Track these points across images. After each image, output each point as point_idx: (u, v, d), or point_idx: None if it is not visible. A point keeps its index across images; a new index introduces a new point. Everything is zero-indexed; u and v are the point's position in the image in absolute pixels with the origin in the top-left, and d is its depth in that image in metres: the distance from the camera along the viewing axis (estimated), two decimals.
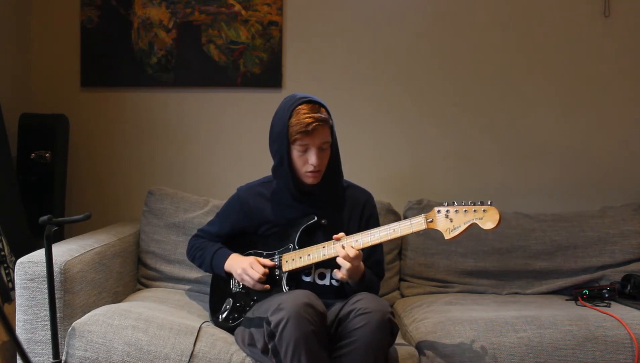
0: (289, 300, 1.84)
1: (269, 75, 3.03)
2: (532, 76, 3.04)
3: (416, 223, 1.97)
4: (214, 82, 3.04)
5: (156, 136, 3.07)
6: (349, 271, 1.99)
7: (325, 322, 1.91)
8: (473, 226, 1.91)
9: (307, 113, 2.04)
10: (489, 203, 1.90)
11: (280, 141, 2.09)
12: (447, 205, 1.94)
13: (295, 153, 2.09)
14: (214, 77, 3.03)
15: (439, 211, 1.95)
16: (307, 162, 2.08)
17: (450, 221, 1.92)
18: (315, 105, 2.07)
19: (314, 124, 2.02)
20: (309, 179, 2.12)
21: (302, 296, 1.87)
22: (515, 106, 3.05)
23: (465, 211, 1.91)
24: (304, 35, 3.04)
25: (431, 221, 1.95)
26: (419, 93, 3.05)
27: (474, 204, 1.91)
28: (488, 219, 1.88)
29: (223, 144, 3.08)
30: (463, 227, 1.91)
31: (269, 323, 1.85)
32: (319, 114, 2.05)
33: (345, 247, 2.00)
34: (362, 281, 2.07)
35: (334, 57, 3.04)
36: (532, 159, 3.06)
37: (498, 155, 3.06)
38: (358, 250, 1.99)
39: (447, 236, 1.93)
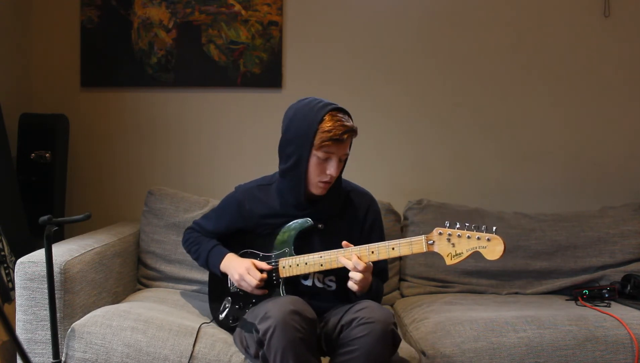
0: (275, 308, 1.83)
1: (269, 75, 3.03)
2: (532, 76, 3.04)
3: (416, 245, 1.90)
4: (214, 82, 3.04)
5: (156, 136, 3.07)
6: (361, 282, 1.95)
7: (315, 328, 1.90)
8: (475, 254, 1.84)
9: (342, 121, 1.97)
10: (493, 231, 1.82)
11: (302, 143, 2.00)
12: (449, 227, 1.87)
13: (315, 159, 2.00)
14: (214, 77, 3.03)
15: (440, 233, 1.87)
16: (323, 172, 2.01)
17: (452, 246, 1.85)
18: (346, 114, 2.01)
19: (347, 134, 1.97)
20: (318, 190, 2.06)
21: (288, 303, 1.85)
22: (515, 106, 3.05)
23: (469, 237, 1.83)
24: (304, 35, 3.04)
25: (432, 244, 1.88)
26: (419, 93, 3.05)
27: (478, 230, 1.83)
28: (491, 250, 1.81)
29: (223, 144, 3.08)
30: (465, 254, 1.84)
31: (257, 331, 1.84)
32: (352, 124, 2.00)
33: (352, 259, 1.95)
34: (369, 292, 2.04)
35: (334, 57, 3.04)
36: (532, 159, 3.06)
37: (498, 155, 3.06)
38: (366, 263, 1.95)
39: (448, 262, 1.86)
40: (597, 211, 2.85)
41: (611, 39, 3.02)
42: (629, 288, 2.55)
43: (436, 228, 1.88)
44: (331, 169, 2.00)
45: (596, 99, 3.05)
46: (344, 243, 2.00)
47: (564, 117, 3.06)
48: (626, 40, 3.02)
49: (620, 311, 2.32)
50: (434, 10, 3.03)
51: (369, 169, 2.99)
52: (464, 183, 3.06)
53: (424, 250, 1.89)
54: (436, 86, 3.05)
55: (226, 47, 3.02)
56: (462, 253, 1.85)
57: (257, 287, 2.07)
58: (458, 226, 1.86)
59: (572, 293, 2.56)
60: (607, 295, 2.51)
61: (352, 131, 1.99)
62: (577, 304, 2.47)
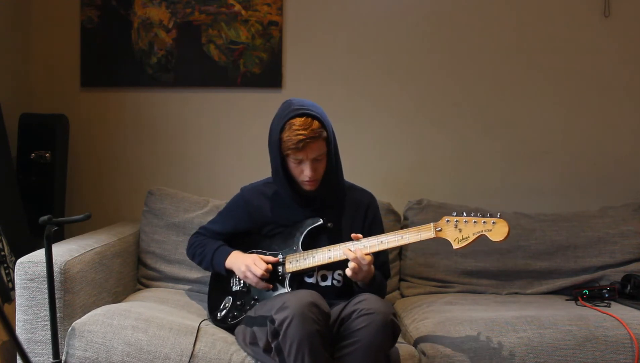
0: (294, 299, 1.84)
1: (269, 75, 3.03)
2: (532, 76, 3.04)
3: (425, 232, 1.98)
4: (214, 82, 3.04)
5: (156, 136, 3.07)
6: (359, 273, 1.99)
7: (329, 322, 1.91)
8: (481, 237, 1.92)
9: (298, 129, 2.01)
10: (498, 216, 1.91)
11: (274, 152, 2.09)
12: (456, 215, 1.94)
13: (291, 163, 2.09)
14: (214, 77, 3.03)
15: (448, 221, 1.95)
16: (302, 172, 2.08)
17: (459, 231, 1.93)
18: (308, 118, 2.03)
19: (304, 141, 2.01)
20: (306, 187, 2.12)
21: (307, 295, 1.87)
22: (515, 106, 3.05)
23: (475, 222, 1.92)
24: (304, 35, 3.04)
25: (440, 231, 1.96)
26: (419, 93, 3.05)
27: (484, 216, 1.92)
28: (497, 232, 1.89)
29: (223, 144, 3.08)
30: (472, 238, 1.92)
31: (272, 321, 1.85)
32: (311, 129, 2.02)
33: (356, 251, 1.99)
34: (372, 284, 2.07)
35: (334, 57, 3.04)
36: (532, 159, 3.06)
37: (498, 155, 3.06)
38: (369, 255, 1.99)
39: (455, 246, 1.94)
40: (597, 211, 2.85)
41: (611, 39, 3.02)
42: (629, 288, 2.55)
43: (444, 216, 1.96)
44: (306, 171, 2.06)
45: (596, 99, 3.05)
46: (354, 235, 2.04)
47: (564, 117, 3.06)
48: (626, 40, 3.02)
49: (620, 311, 2.32)
50: (434, 10, 3.03)
51: (369, 169, 2.99)
52: (464, 183, 3.05)
53: (433, 236, 1.97)
54: (436, 86, 3.05)
55: (226, 47, 3.02)
56: (468, 236, 1.92)
57: (262, 278, 2.09)
58: (465, 213, 1.94)
59: (572, 293, 2.56)
60: (607, 295, 2.51)
61: (310, 138, 2.01)
62: (577, 304, 2.47)
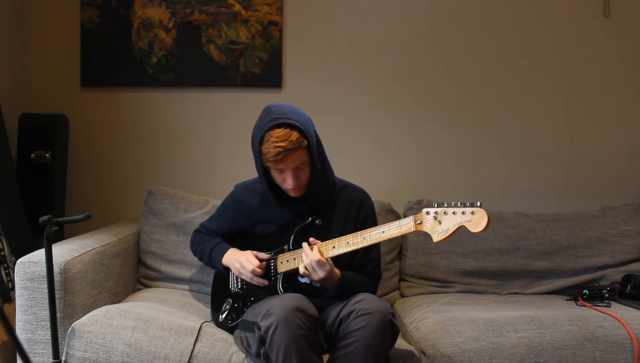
0: (278, 305, 1.84)
1: (269, 75, 3.03)
2: (533, 76, 3.04)
3: (405, 225, 1.92)
4: (214, 82, 3.04)
5: (156, 136, 3.07)
6: (314, 275, 1.98)
7: (317, 326, 1.91)
8: (462, 229, 1.84)
9: (276, 141, 1.96)
10: (478, 204, 1.82)
11: (257, 161, 2.07)
12: (437, 206, 1.87)
13: (273, 172, 2.06)
14: (214, 77, 3.03)
15: (427, 213, 1.88)
16: (285, 181, 2.05)
17: (438, 224, 1.85)
18: (286, 129, 1.98)
19: (282, 154, 1.97)
20: (291, 193, 2.10)
21: (291, 300, 1.86)
22: (515, 106, 3.05)
23: (454, 213, 1.83)
24: (304, 35, 3.04)
25: (420, 223, 1.89)
26: (420, 93, 3.05)
27: (464, 206, 1.83)
28: (476, 222, 1.80)
29: (223, 144, 3.08)
30: (451, 230, 1.84)
31: (259, 328, 1.85)
32: (289, 141, 1.97)
33: (313, 250, 1.98)
34: (337, 286, 2.04)
35: (334, 57, 3.04)
36: (532, 159, 3.06)
37: (498, 155, 3.06)
38: (325, 259, 1.97)
39: (435, 239, 1.86)
40: (597, 211, 2.85)
41: (611, 39, 3.02)
42: (629, 288, 2.55)
43: (424, 208, 1.90)
44: (288, 181, 2.04)
45: (596, 99, 3.05)
46: (312, 239, 2.02)
47: (564, 117, 3.06)
48: (626, 40, 3.02)
49: (620, 311, 2.32)
50: (435, 10, 3.03)
51: (369, 169, 2.99)
52: (464, 183, 3.05)
53: (412, 229, 1.90)
54: (436, 86, 3.05)
55: (226, 47, 3.02)
56: (448, 229, 1.84)
57: (255, 274, 2.09)
58: (445, 204, 1.87)
59: (572, 293, 2.56)
60: (607, 295, 2.51)
61: (288, 150, 1.97)
62: (577, 304, 2.47)
